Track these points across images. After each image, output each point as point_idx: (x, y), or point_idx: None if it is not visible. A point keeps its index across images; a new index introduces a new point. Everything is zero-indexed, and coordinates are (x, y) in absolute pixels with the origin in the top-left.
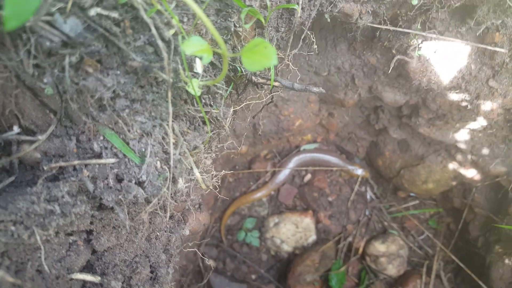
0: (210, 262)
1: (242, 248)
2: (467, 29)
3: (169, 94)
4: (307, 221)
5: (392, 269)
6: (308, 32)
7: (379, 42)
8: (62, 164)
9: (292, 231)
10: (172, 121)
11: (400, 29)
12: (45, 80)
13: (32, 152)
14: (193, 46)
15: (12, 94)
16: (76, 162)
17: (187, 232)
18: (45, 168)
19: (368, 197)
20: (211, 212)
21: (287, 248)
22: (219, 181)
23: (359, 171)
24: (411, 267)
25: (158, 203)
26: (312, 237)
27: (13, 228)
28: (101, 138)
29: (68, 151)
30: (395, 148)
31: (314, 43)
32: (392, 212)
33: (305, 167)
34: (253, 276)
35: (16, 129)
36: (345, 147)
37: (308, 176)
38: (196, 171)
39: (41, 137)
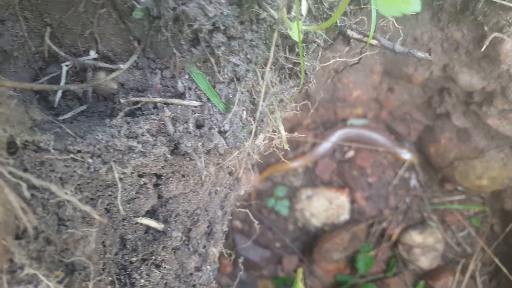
0: (257, 226)
1: (270, 215)
2: None
3: (275, 34)
4: (343, 199)
5: (425, 262)
6: None
7: (472, 15)
8: (143, 99)
9: (324, 206)
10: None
11: (505, 2)
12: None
13: (109, 82)
14: None
15: (96, 13)
16: (158, 99)
17: (242, 192)
18: (121, 101)
19: (411, 184)
20: None
21: (316, 222)
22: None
23: (407, 156)
24: (444, 263)
25: (238, 157)
26: (345, 216)
27: (90, 160)
28: (186, 76)
29: (150, 86)
30: (453, 136)
31: None
32: (434, 204)
33: (349, 142)
34: (277, 244)
35: (93, 53)
36: (396, 127)
37: (351, 153)
38: (281, 128)
39: (123, 66)
